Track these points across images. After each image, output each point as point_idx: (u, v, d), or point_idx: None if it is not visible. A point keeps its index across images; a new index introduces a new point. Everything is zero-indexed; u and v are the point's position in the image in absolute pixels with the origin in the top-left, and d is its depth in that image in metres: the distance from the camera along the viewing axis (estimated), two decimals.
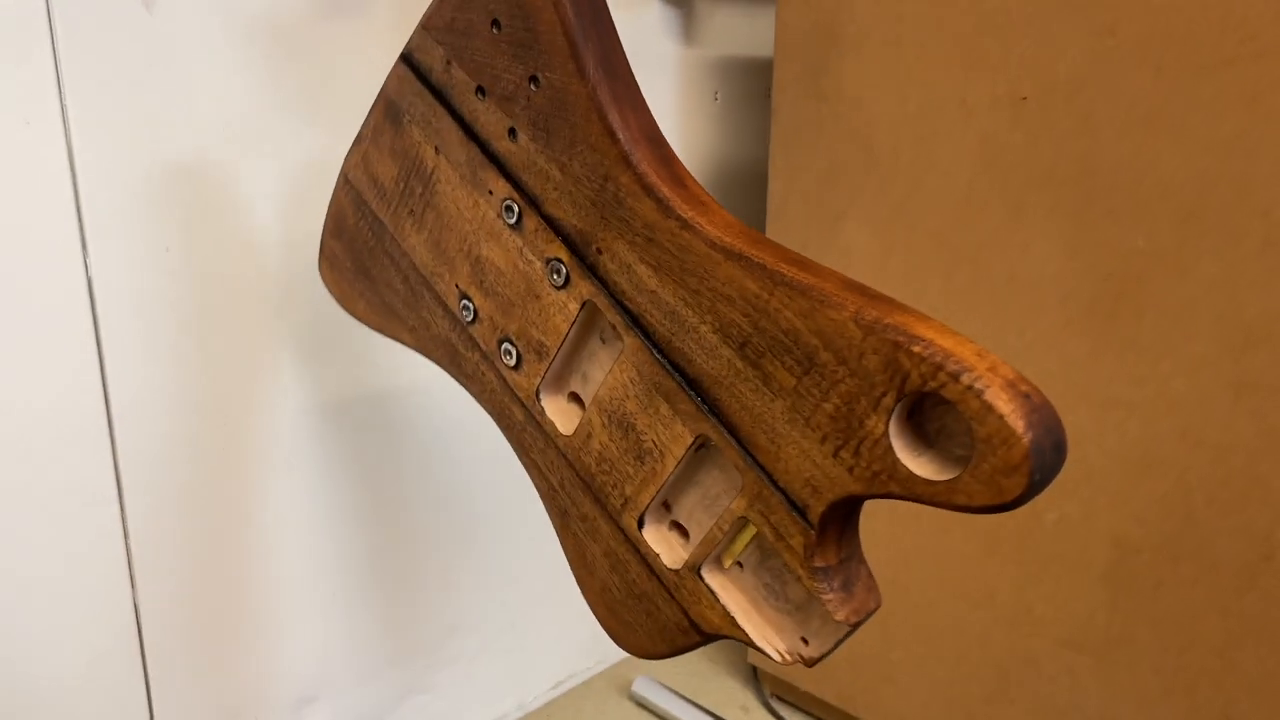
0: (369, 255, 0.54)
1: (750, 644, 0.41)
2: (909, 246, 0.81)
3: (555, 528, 0.49)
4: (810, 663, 0.40)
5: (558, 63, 0.41)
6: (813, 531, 0.37)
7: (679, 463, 0.41)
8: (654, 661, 1.10)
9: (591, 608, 0.48)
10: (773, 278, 0.36)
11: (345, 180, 0.54)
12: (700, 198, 0.39)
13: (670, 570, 0.43)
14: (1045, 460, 0.30)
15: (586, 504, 0.46)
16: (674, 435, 0.41)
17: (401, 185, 0.50)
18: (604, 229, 0.41)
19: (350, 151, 0.53)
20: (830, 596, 0.38)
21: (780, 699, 1.07)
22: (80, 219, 0.62)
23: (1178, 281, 0.68)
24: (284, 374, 0.74)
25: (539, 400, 0.47)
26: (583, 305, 0.43)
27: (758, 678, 1.09)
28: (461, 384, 0.52)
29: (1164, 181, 0.67)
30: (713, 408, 0.39)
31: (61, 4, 0.58)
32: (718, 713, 1.01)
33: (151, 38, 0.62)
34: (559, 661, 1.07)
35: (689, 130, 1.04)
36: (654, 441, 0.42)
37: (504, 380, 0.48)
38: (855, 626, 0.39)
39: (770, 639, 0.41)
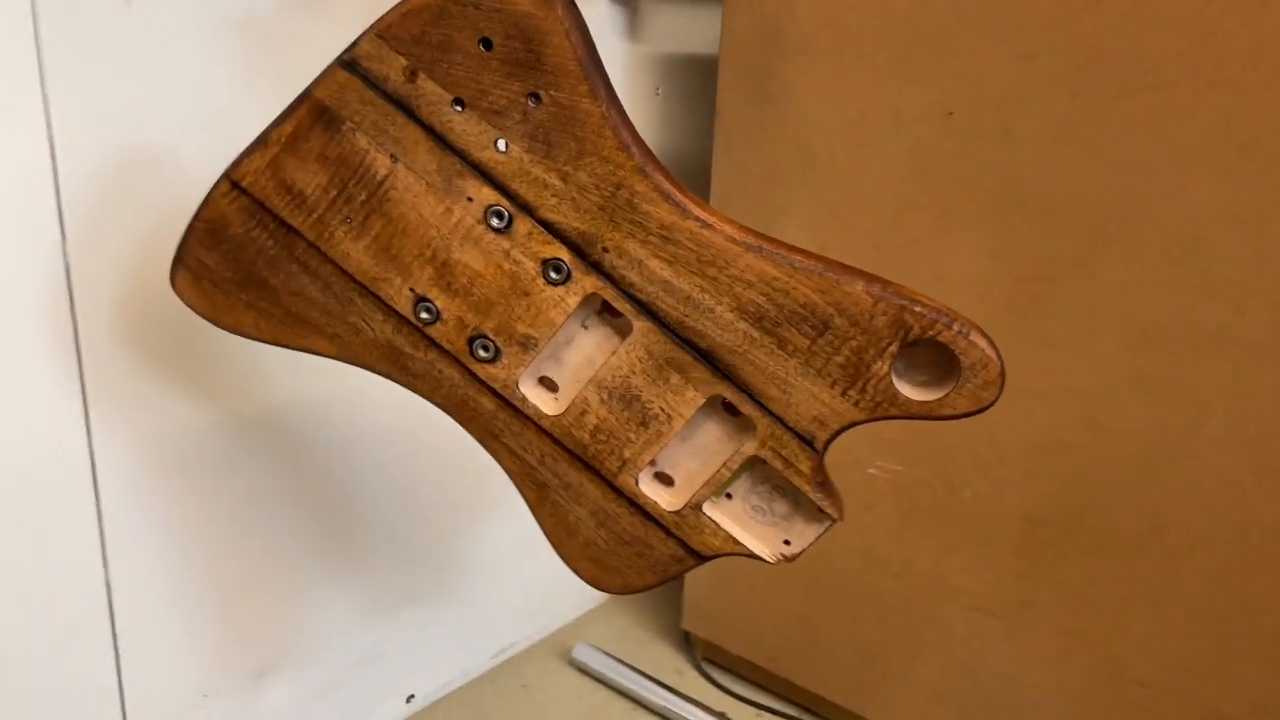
0: (268, 265, 0.50)
1: (748, 554, 0.51)
2: (843, 245, 0.84)
3: (529, 501, 0.53)
4: (793, 558, 0.51)
5: (567, 84, 0.44)
6: (819, 455, 0.48)
7: (685, 422, 0.49)
8: (592, 629, 1.15)
9: (571, 563, 0.53)
10: (792, 264, 0.45)
11: (231, 187, 0.49)
12: (703, 204, 0.46)
13: (670, 512, 0.51)
14: (1005, 378, 0.45)
15: (571, 473, 0.51)
16: (684, 400, 0.48)
17: (334, 193, 0.48)
18: (612, 230, 0.46)
19: (242, 158, 0.48)
20: (828, 502, 0.49)
21: (711, 662, 1.09)
22: (60, 209, 0.62)
23: (1085, 285, 0.73)
24: (261, 361, 0.75)
25: (518, 388, 0.50)
26: (584, 298, 0.48)
27: (690, 642, 1.11)
28: (401, 382, 0.52)
29: (1076, 194, 0.72)
30: (726, 372, 0.47)
31: (46, 4, 0.59)
32: (653, 675, 1.03)
33: (130, 30, 0.63)
34: (502, 630, 1.09)
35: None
36: (661, 408, 0.49)
37: (470, 374, 0.50)
38: (829, 526, 0.51)
39: (759, 547, 0.51)
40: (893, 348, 0.45)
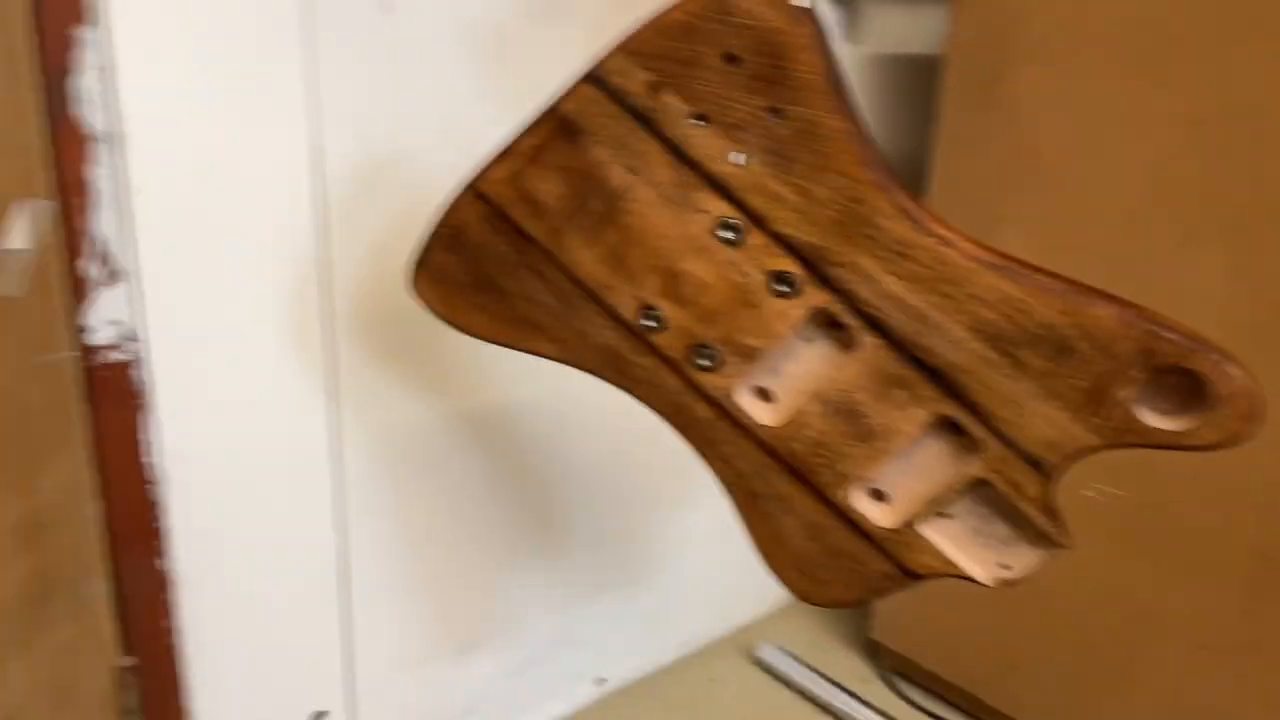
0: (502, 270, 0.53)
1: (963, 576, 0.50)
2: (1068, 259, 0.78)
3: (739, 508, 0.54)
4: (1012, 583, 0.50)
5: (811, 100, 0.45)
6: (1050, 481, 0.47)
7: (909, 440, 0.48)
8: (778, 630, 1.15)
9: (779, 573, 0.54)
10: (1035, 283, 0.44)
11: (475, 196, 0.52)
12: (941, 219, 0.46)
13: (885, 529, 0.50)
14: (1263, 412, 0.43)
15: (784, 484, 0.52)
16: (909, 417, 0.48)
17: (571, 203, 0.50)
18: (845, 245, 0.46)
19: (486, 168, 0.51)
20: (1055, 529, 0.48)
21: (898, 674, 1.08)
22: (324, 198, 0.69)
23: None
24: (483, 362, 0.81)
25: (736, 398, 0.51)
26: (812, 312, 0.48)
27: (878, 652, 1.10)
28: (619, 386, 0.54)
29: None
30: (955, 391, 0.47)
31: (311, 10, 0.65)
32: (838, 681, 1.04)
33: (388, 37, 0.69)
34: (689, 623, 1.12)
35: None
36: (883, 424, 0.48)
37: (689, 381, 0.51)
38: (1055, 553, 0.49)
39: (975, 570, 0.50)
40: (1138, 374, 0.43)
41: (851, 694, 1.02)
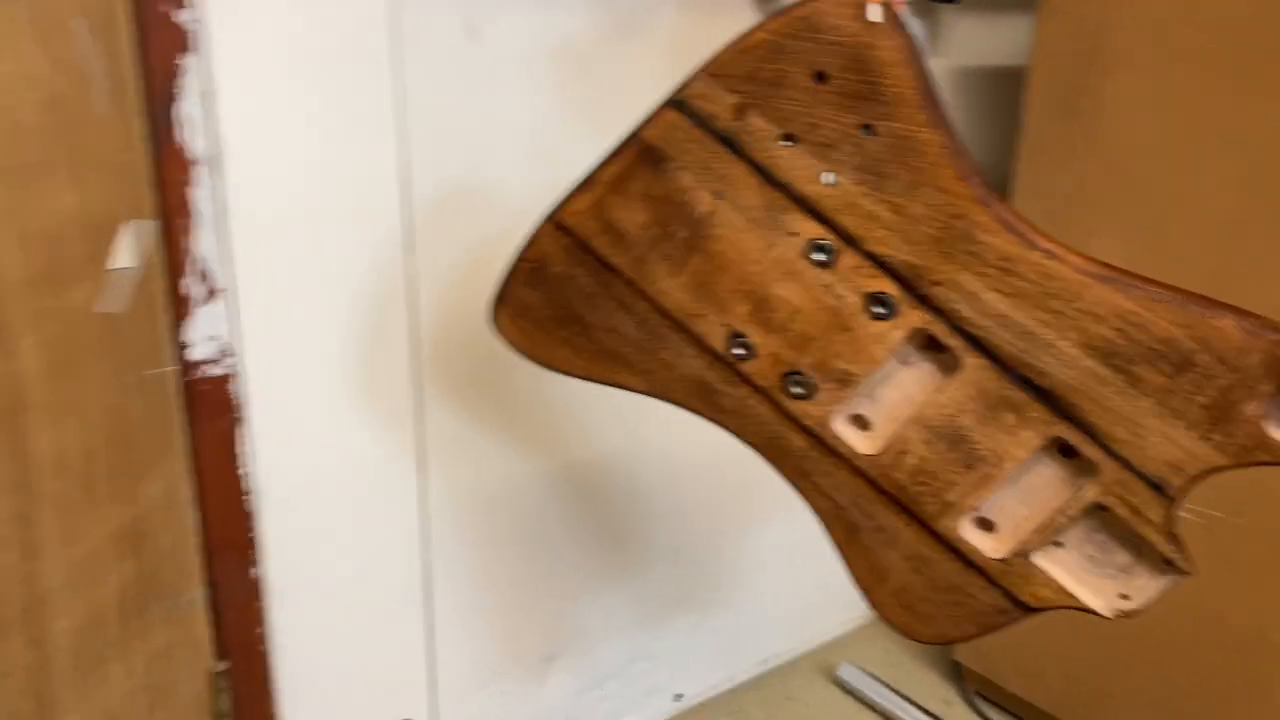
0: (585, 302, 0.52)
1: (1080, 608, 0.48)
2: (1161, 272, 0.80)
3: (838, 543, 0.52)
4: (1132, 614, 0.47)
5: (905, 114, 0.44)
6: (1173, 504, 0.44)
7: (1019, 465, 0.46)
8: (857, 649, 1.14)
9: (881, 609, 0.52)
10: (1150, 296, 0.42)
11: (556, 228, 0.51)
12: (1046, 233, 0.44)
13: (994, 559, 0.48)
14: None
15: (886, 515, 0.50)
16: (1018, 441, 0.46)
17: (655, 231, 0.49)
18: (945, 262, 0.45)
19: (568, 199, 0.51)
20: (1179, 555, 0.45)
21: (983, 698, 1.05)
22: (409, 224, 0.71)
23: None
24: (566, 385, 0.81)
25: (832, 426, 0.49)
26: (910, 333, 0.47)
27: (961, 674, 1.08)
28: (709, 418, 0.52)
29: None
30: (1067, 412, 0.45)
31: (405, 37, 0.67)
32: (919, 703, 1.02)
33: (473, 62, 0.71)
34: (766, 640, 1.12)
35: None
36: (990, 449, 0.47)
37: (782, 411, 0.50)
38: (1177, 581, 0.46)
39: (1093, 600, 0.48)
40: (1265, 388, 0.41)
41: (934, 716, 1.00)
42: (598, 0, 0.77)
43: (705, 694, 1.07)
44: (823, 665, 1.12)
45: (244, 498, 0.68)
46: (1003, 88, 1.03)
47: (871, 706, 1.04)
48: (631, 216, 0.50)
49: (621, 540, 0.95)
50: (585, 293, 0.52)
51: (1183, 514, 0.80)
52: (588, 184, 0.50)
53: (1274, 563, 0.77)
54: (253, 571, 0.70)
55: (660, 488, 0.96)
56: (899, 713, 1.01)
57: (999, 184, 0.92)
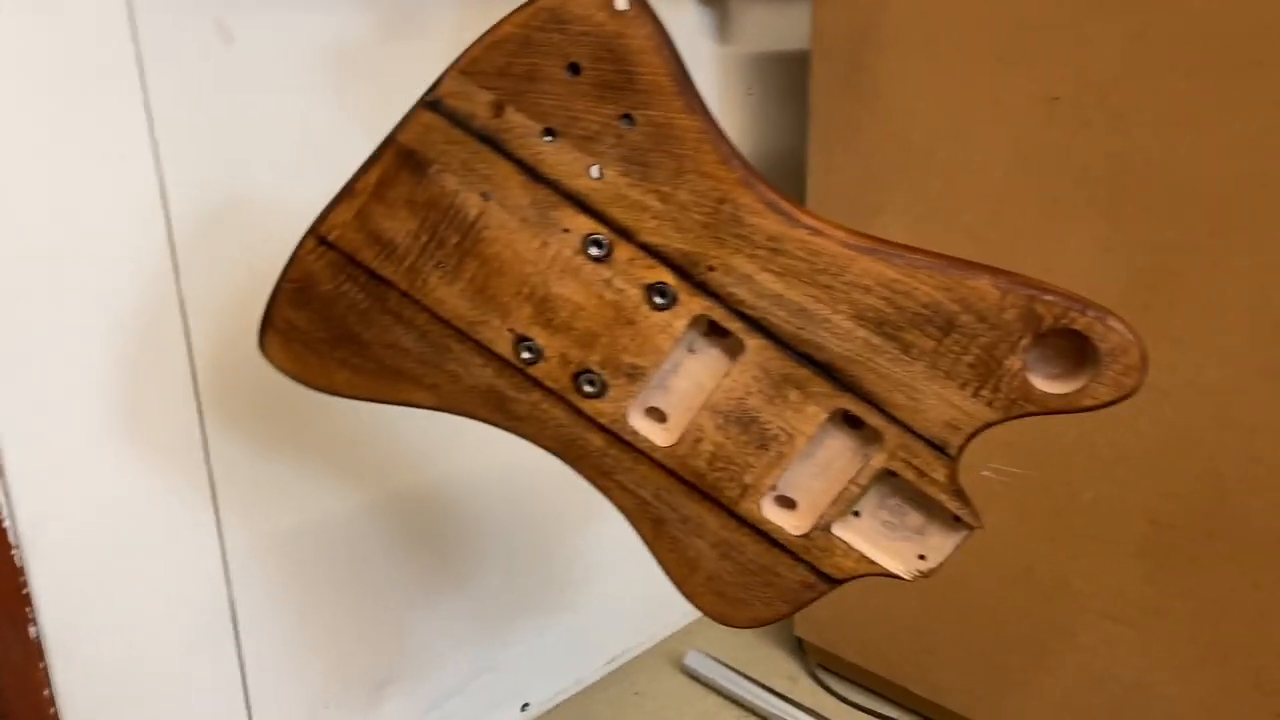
0: (360, 319, 0.50)
1: (883, 574, 0.49)
2: (945, 241, 0.80)
3: (645, 538, 0.51)
4: (930, 574, 0.49)
5: (661, 102, 0.44)
6: (954, 462, 0.46)
7: (808, 440, 0.47)
8: (704, 635, 1.14)
9: (695, 599, 0.52)
10: (911, 263, 0.44)
11: (319, 243, 0.49)
12: (808, 210, 0.45)
13: (797, 536, 0.49)
14: (1147, 361, 0.43)
15: (689, 505, 0.50)
16: (806, 417, 0.47)
17: (425, 238, 0.47)
18: (717, 247, 0.45)
19: (327, 212, 0.48)
20: (966, 510, 0.47)
21: (825, 669, 1.08)
22: (172, 246, 0.67)
23: (1209, 274, 0.70)
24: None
25: (628, 421, 0.49)
26: (692, 321, 0.47)
27: (804, 649, 1.10)
28: (504, 427, 0.51)
29: (1195, 178, 0.69)
30: (847, 383, 0.46)
31: (148, 44, 0.63)
32: (766, 682, 1.03)
33: (231, 69, 0.67)
34: (614, 638, 1.11)
35: (724, 125, 1.04)
36: (781, 427, 0.47)
37: (577, 411, 0.49)
38: (968, 536, 0.49)
39: (894, 565, 0.49)
40: (1025, 341, 0.43)
41: (778, 694, 1.02)
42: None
43: (555, 699, 1.06)
44: (672, 656, 1.13)
45: (11, 552, 0.62)
46: (796, 71, 1.06)
47: (719, 691, 1.05)
48: (398, 225, 0.48)
49: (450, 555, 0.92)
50: (359, 309, 0.50)
51: (985, 473, 0.86)
52: (347, 194, 0.48)
53: (1068, 514, 0.83)
54: (31, 631, 0.64)
55: (485, 497, 0.94)
56: (745, 694, 1.02)
57: (796, 166, 0.96)
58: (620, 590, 1.10)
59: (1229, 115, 0.68)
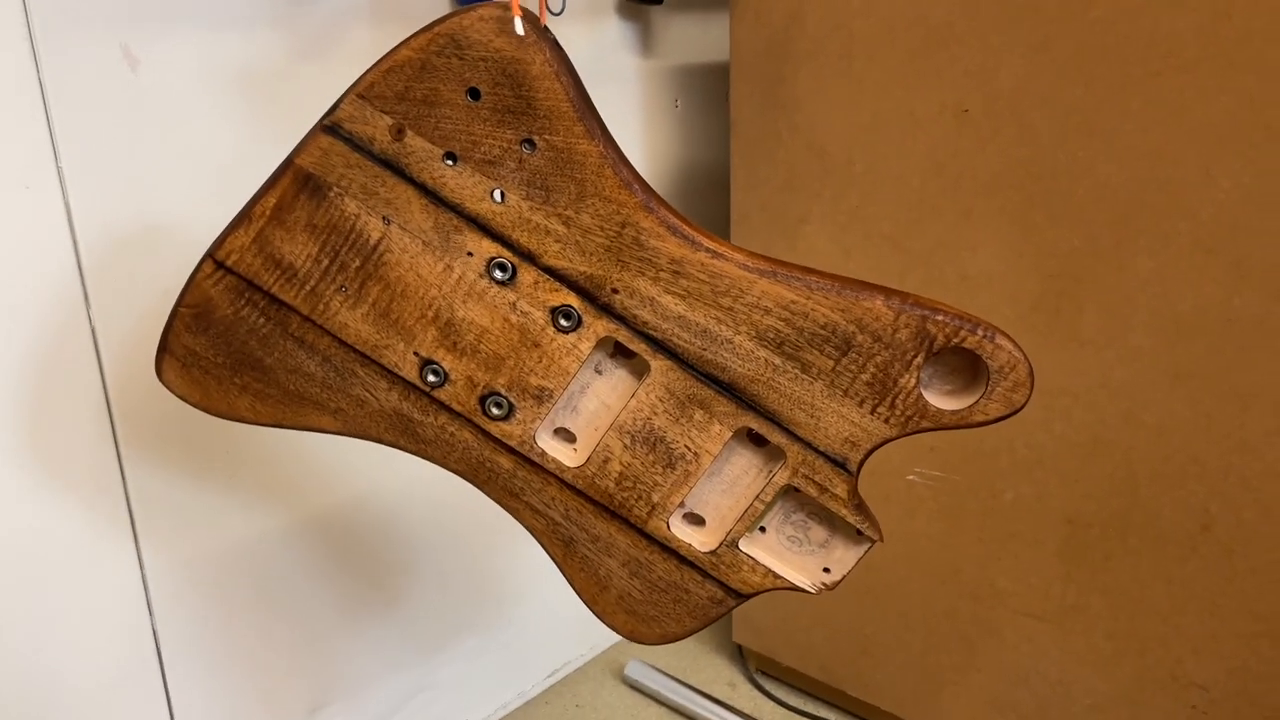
0: (261, 345, 0.50)
1: (788, 588, 0.52)
2: (866, 250, 0.86)
3: (557, 559, 0.53)
4: (834, 586, 0.52)
5: (561, 127, 0.45)
6: (854, 478, 0.49)
7: (714, 459, 0.50)
8: (645, 645, 1.13)
9: (606, 618, 0.54)
10: (808, 285, 0.46)
11: (216, 267, 0.49)
12: (710, 234, 0.47)
13: (705, 553, 0.51)
14: (1034, 379, 0.46)
15: (599, 525, 0.52)
16: (710, 435, 0.49)
17: (326, 262, 0.48)
18: (620, 270, 0.47)
19: (224, 236, 0.49)
20: (867, 524, 0.50)
21: (765, 674, 1.12)
22: (81, 274, 0.68)
23: (1115, 279, 0.74)
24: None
25: (536, 443, 0.50)
26: (597, 343, 0.48)
27: (743, 655, 1.13)
28: (412, 451, 0.52)
29: (1099, 186, 0.73)
30: (750, 402, 0.48)
31: (51, 72, 0.64)
32: (706, 690, 1.06)
33: (138, 95, 0.68)
34: (554, 651, 1.13)
35: (651, 137, 1.07)
36: (686, 446, 0.49)
37: (484, 434, 0.51)
38: (869, 549, 0.51)
39: (799, 578, 0.52)
40: (918, 359, 0.46)
41: (719, 701, 1.05)
42: (275, 21, 0.74)
43: (496, 715, 1.08)
44: (613, 666, 1.16)
45: None
46: (721, 83, 1.09)
47: (660, 701, 1.08)
48: (298, 249, 0.49)
49: (379, 576, 0.93)
50: (260, 334, 0.50)
51: (910, 478, 0.89)
52: (244, 218, 0.49)
53: (992, 515, 0.87)
54: None
55: (411, 516, 0.95)
56: (686, 702, 1.06)
57: (724, 177, 0.98)
58: (558, 602, 1.11)
59: (1128, 124, 0.71)
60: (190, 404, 0.53)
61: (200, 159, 0.72)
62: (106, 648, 0.74)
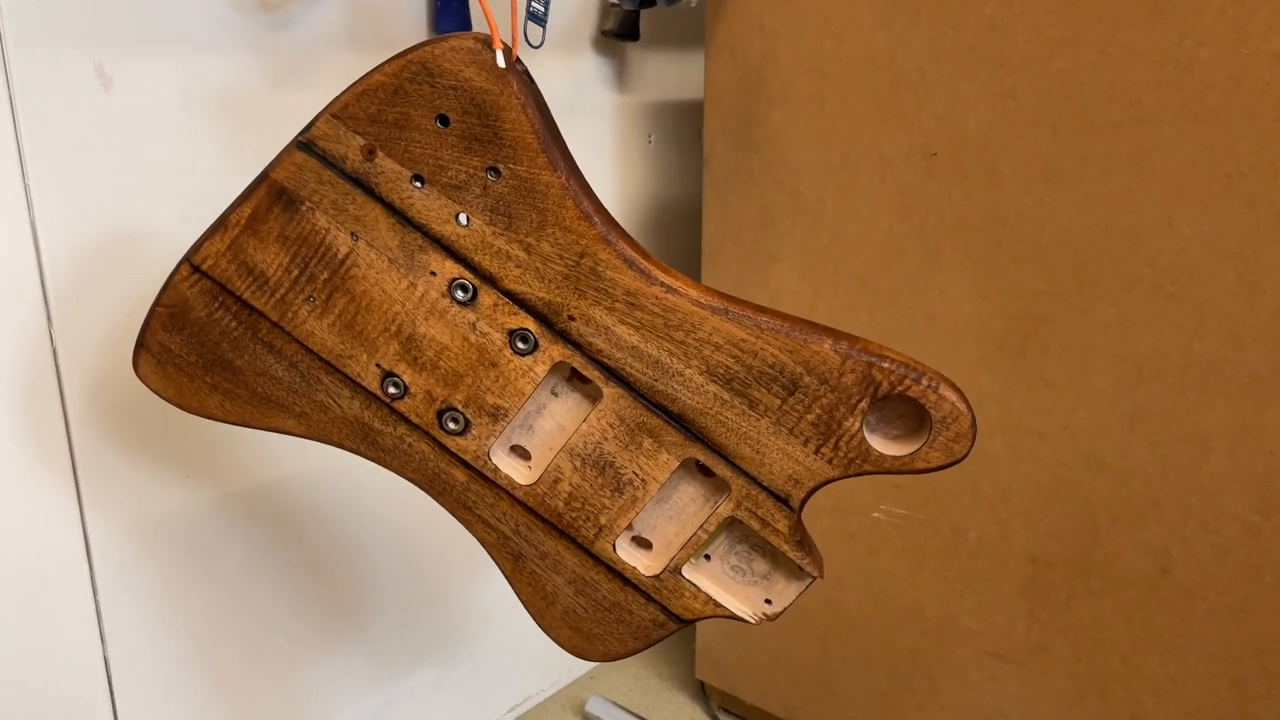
0: (231, 346, 0.54)
1: (729, 616, 0.54)
2: (835, 288, 0.89)
3: (506, 572, 0.56)
4: (774, 618, 0.54)
5: (526, 157, 0.48)
6: (796, 514, 0.51)
7: (661, 486, 0.52)
8: (606, 680, 1.19)
9: (551, 632, 0.56)
10: (758, 325, 0.49)
11: (193, 271, 0.52)
12: (667, 268, 0.50)
13: (649, 576, 0.54)
14: (976, 431, 0.49)
15: (547, 542, 0.54)
16: (658, 464, 0.52)
17: (296, 272, 0.51)
18: (578, 299, 0.50)
19: (201, 242, 0.52)
20: (807, 560, 0.52)
21: (727, 711, 1.13)
22: (45, 293, 0.70)
23: (1078, 322, 0.77)
24: (251, 435, 0.82)
25: (490, 459, 0.53)
26: (553, 366, 0.51)
27: (705, 692, 1.15)
28: (371, 458, 0.55)
29: (1063, 231, 0.76)
30: (698, 434, 0.51)
31: (22, 89, 0.66)
32: None
33: (110, 115, 0.70)
34: (514, 686, 1.15)
35: (625, 172, 1.10)
36: (635, 472, 0.52)
37: (440, 447, 0.53)
38: (810, 584, 0.54)
39: (740, 608, 0.54)
40: (863, 404, 0.48)
41: None
42: (249, 45, 0.76)
43: None
44: (574, 702, 1.18)
45: None
46: (695, 120, 1.12)
47: None
48: (269, 258, 0.52)
49: (341, 608, 0.95)
50: (231, 337, 0.54)
51: (876, 515, 0.92)
52: (221, 225, 0.52)
53: (956, 554, 0.89)
54: None
55: (377, 548, 0.97)
56: None
57: (696, 212, 1.01)
58: (520, 637, 1.14)
59: (1090, 172, 0.74)
60: (164, 398, 0.56)
61: (179, 182, 0.74)
62: (58, 680, 0.75)
